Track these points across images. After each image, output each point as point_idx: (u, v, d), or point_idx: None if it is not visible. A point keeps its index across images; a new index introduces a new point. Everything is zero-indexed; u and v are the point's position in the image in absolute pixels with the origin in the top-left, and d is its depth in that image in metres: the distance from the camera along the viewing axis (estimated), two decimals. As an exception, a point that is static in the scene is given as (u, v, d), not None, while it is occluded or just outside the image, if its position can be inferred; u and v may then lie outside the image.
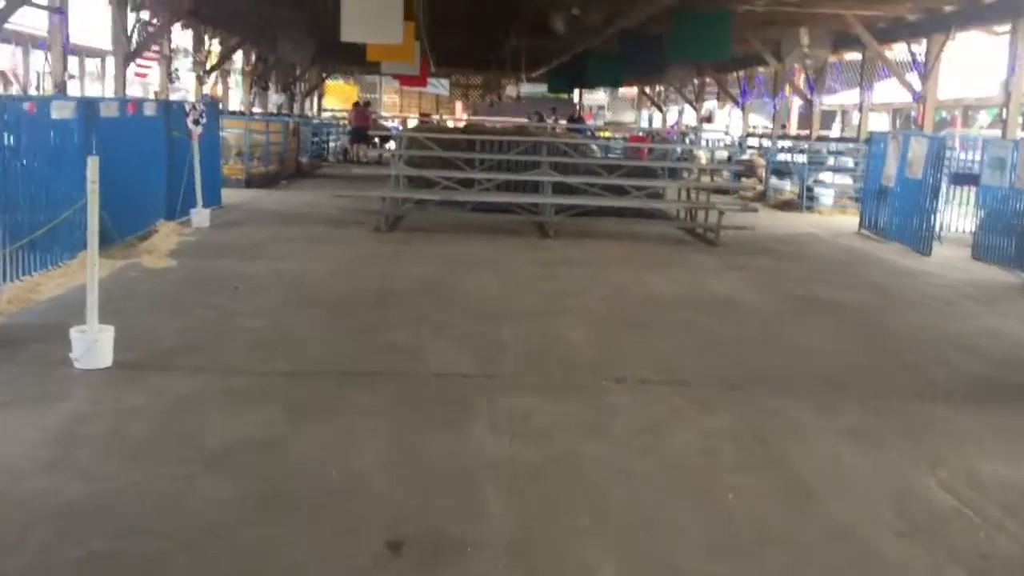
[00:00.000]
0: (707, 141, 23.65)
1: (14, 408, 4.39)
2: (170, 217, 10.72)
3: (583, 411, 4.80)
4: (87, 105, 8.26)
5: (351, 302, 7.26)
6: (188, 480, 3.68)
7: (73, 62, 24.57)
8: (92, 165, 4.95)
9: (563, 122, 25.45)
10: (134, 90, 19.91)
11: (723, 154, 21.69)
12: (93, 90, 20.38)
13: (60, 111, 7.57)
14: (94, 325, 5.13)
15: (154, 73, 18.85)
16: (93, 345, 5.05)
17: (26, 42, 17.79)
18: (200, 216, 11.08)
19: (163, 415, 4.42)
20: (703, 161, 19.26)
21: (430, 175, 12.60)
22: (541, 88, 36.00)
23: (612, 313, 7.32)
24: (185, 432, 4.22)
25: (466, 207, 12.66)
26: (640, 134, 23.16)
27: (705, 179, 15.22)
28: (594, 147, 18.08)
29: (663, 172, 14.48)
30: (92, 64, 22.56)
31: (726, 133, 26.02)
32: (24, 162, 7.11)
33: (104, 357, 5.10)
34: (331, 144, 25.88)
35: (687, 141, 20.84)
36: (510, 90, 37.46)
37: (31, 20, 14.71)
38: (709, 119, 29.28)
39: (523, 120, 28.21)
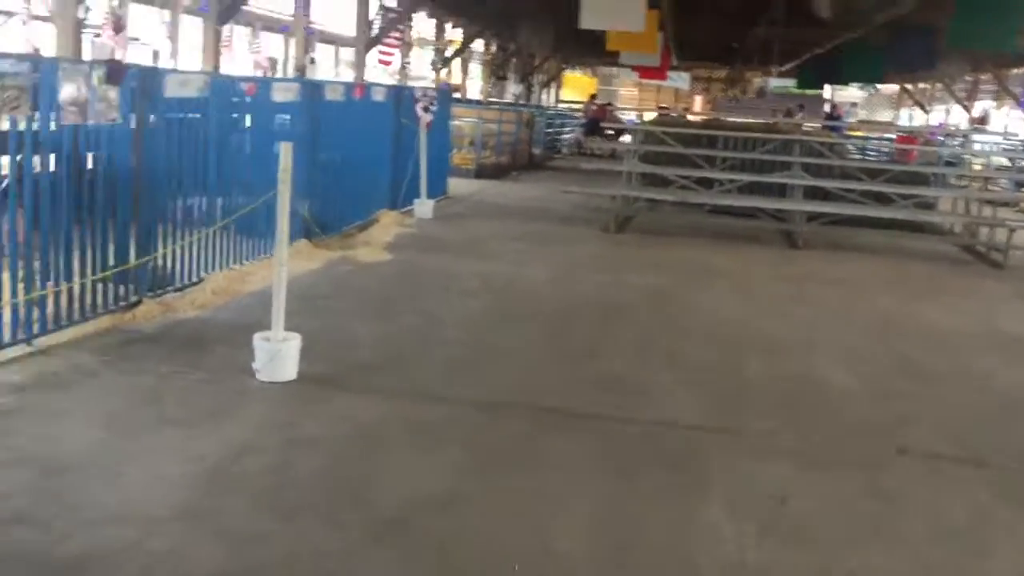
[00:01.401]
0: (982, 145, 20.91)
1: (175, 429, 3.85)
2: (393, 206, 10.33)
3: (858, 496, 3.65)
4: (311, 88, 7.89)
5: (567, 316, 6.40)
6: (346, 557, 2.92)
7: (328, 50, 25.54)
8: (285, 152, 4.35)
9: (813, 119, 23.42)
10: (378, 77, 20.21)
11: (1002, 160, 19.06)
12: (345, 77, 20.90)
13: (282, 93, 7.20)
14: (279, 333, 4.56)
15: (397, 60, 18.98)
16: (276, 355, 4.47)
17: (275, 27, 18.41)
18: (423, 207, 10.64)
19: (336, 453, 3.73)
20: (978, 167, 16.91)
21: (666, 173, 11.55)
22: (788, 83, 33.73)
23: (880, 351, 6.00)
24: (356, 480, 3.49)
25: (703, 209, 11.52)
26: (907, 134, 20.80)
27: (979, 187, 13.16)
28: (850, 148, 16.30)
29: (935, 179, 12.61)
30: (347, 53, 23.22)
31: (1005, 136, 22.98)
32: (244, 144, 6.76)
33: (287, 370, 4.52)
34: (565, 136, 25.29)
35: (959, 144, 18.38)
36: (755, 84, 35.41)
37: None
38: (983, 121, 26.12)
39: (766, 116, 26.34)
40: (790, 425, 4.43)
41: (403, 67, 17.37)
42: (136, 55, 19.76)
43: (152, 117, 5.49)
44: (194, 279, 6.21)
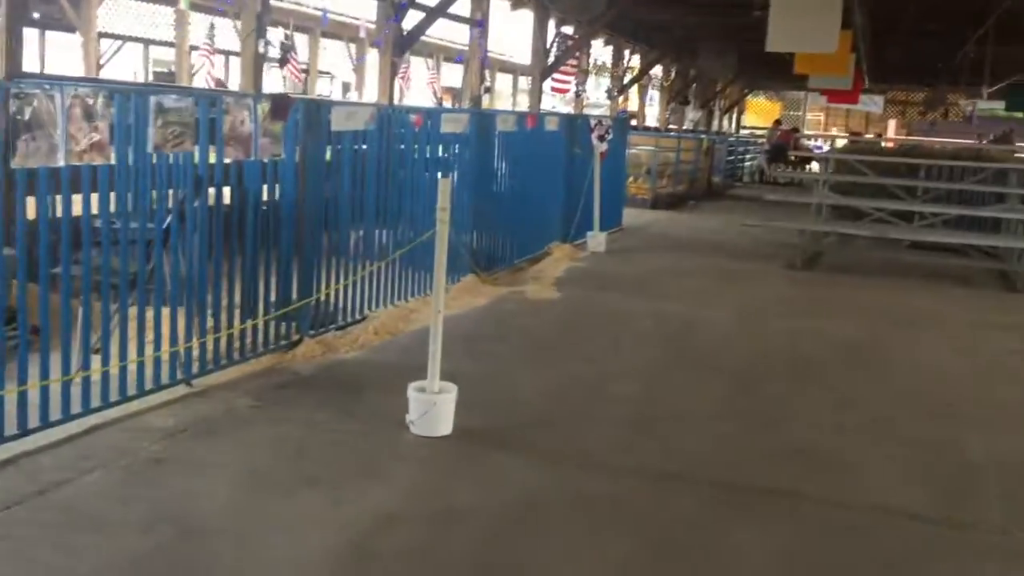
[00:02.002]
0: None
1: (320, 490, 3.55)
2: (564, 239, 9.97)
3: None
4: (481, 118, 7.65)
5: (751, 369, 5.77)
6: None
7: (507, 79, 25.71)
8: (443, 189, 4.03)
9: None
10: (555, 105, 20.06)
11: None
12: (523, 105, 20.89)
13: (451, 124, 6.98)
14: (435, 384, 4.22)
15: (572, 88, 18.73)
16: (430, 409, 4.14)
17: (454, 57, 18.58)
18: (596, 240, 10.22)
19: (488, 531, 3.32)
20: None
21: (861, 205, 10.65)
22: (993, 106, 31.18)
23: None
24: (507, 569, 3.07)
25: (901, 245, 10.54)
26: None
27: None
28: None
29: None
30: (525, 81, 23.28)
31: None
32: (410, 177, 6.55)
33: (442, 424, 4.17)
34: (747, 163, 24.29)
35: None
36: (960, 108, 32.97)
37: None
38: None
39: (967, 142, 24.42)
40: (1028, 520, 3.68)
41: (578, 95, 17.07)
42: (327, 88, 20.45)
43: (316, 151, 5.34)
44: (357, 316, 6.03)
